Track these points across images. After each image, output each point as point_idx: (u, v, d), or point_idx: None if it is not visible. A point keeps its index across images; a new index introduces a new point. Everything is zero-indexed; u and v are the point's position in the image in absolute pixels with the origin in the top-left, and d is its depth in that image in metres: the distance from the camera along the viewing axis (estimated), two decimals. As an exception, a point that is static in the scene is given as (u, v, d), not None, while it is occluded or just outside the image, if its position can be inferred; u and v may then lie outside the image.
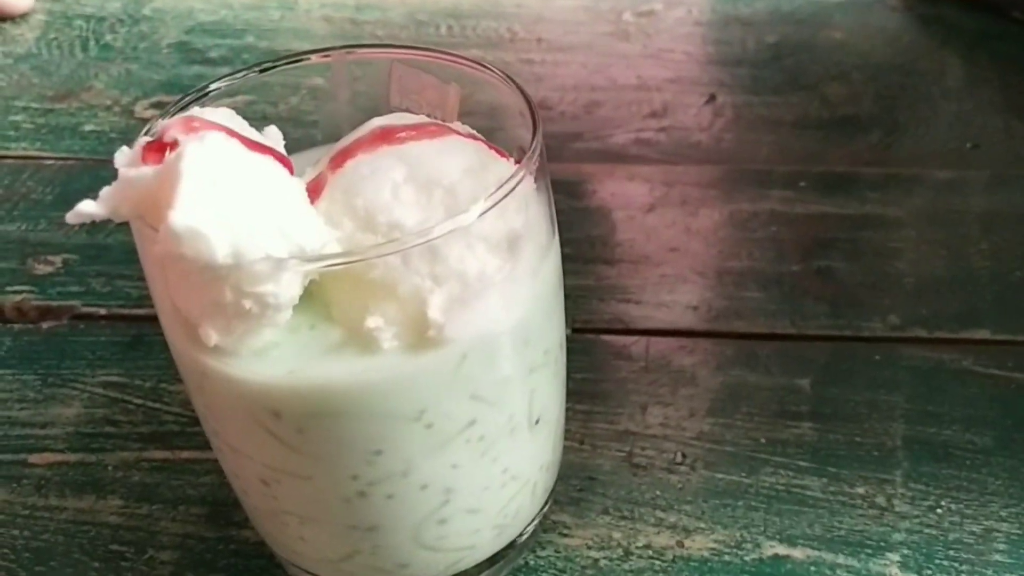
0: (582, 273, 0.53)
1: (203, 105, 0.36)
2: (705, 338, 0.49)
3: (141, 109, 0.67)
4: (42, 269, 0.57)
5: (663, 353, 0.48)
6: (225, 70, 0.69)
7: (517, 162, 0.35)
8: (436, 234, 0.30)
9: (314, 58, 0.39)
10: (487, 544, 0.37)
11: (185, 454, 0.46)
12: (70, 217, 0.30)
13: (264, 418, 0.32)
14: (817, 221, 0.55)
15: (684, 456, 0.44)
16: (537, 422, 0.36)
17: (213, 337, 0.31)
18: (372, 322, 0.31)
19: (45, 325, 0.54)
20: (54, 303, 0.55)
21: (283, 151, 0.34)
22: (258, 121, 0.38)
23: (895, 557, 0.39)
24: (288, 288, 0.30)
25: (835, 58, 0.69)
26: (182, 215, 0.28)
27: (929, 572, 0.39)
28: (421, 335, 0.31)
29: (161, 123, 0.32)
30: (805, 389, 0.46)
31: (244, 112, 0.38)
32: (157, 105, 0.67)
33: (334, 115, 0.40)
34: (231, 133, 0.31)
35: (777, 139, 0.62)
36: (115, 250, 0.58)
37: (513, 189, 0.32)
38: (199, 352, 0.32)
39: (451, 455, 0.33)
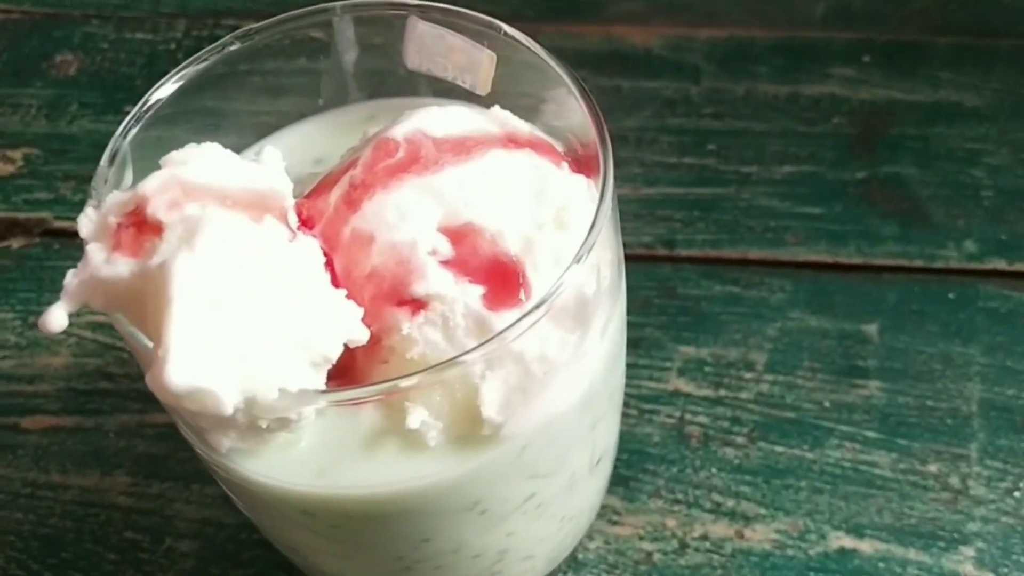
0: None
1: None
2: (764, 267, 0.44)
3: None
4: (2, 168, 0.51)
5: (712, 288, 0.43)
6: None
7: (571, 161, 0.29)
8: (494, 345, 0.25)
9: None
10: (540, 572, 0.34)
11: (192, 417, 0.42)
12: (43, 327, 0.24)
13: (295, 515, 0.28)
14: (884, 110, 0.48)
15: (740, 423, 0.40)
16: (598, 463, 0.32)
17: (225, 444, 0.26)
18: (415, 420, 0.26)
19: (15, 244, 0.48)
20: (21, 215, 0.49)
21: (286, 178, 0.27)
22: (254, 93, 0.32)
23: (970, 552, 0.37)
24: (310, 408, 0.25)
25: None
26: (180, 371, 0.22)
27: (1005, 570, 0.36)
28: (474, 429, 0.27)
29: (137, 190, 0.25)
30: (872, 337, 0.42)
31: (237, 81, 0.31)
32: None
33: (339, 77, 0.33)
34: (222, 198, 0.25)
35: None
36: (82, 142, 0.51)
37: (584, 258, 0.26)
38: (213, 452, 0.27)
39: (507, 527, 0.30)
